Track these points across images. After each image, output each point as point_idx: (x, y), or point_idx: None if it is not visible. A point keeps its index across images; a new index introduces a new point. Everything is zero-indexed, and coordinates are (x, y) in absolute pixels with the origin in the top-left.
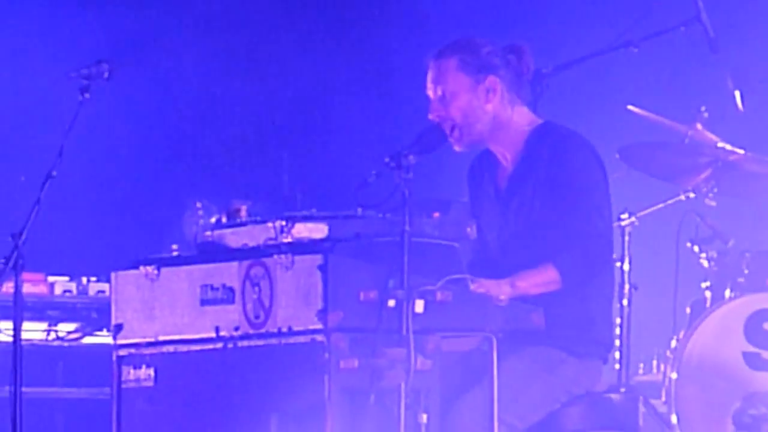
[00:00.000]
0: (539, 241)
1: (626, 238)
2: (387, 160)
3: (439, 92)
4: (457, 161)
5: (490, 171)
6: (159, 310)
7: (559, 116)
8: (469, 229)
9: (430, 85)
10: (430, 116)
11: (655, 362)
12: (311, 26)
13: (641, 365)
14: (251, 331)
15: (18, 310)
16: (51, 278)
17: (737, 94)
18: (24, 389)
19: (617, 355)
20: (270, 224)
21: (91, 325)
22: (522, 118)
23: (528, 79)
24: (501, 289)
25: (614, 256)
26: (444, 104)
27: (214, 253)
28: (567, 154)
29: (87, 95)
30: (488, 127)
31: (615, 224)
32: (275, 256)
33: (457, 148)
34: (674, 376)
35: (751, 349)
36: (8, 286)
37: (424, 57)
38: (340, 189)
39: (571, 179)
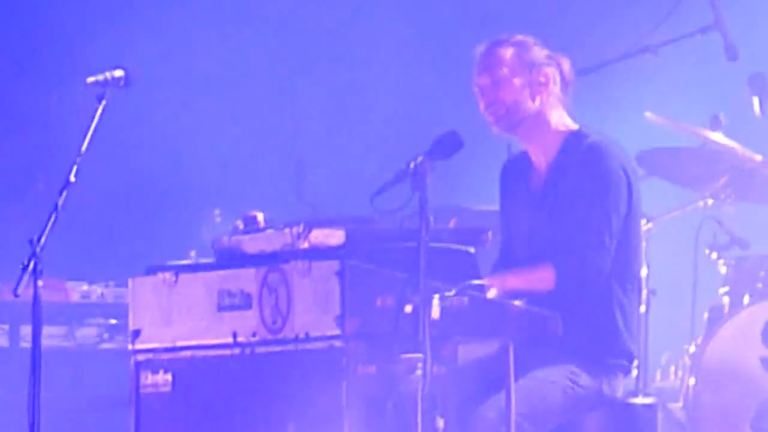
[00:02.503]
0: (538, 239)
1: (644, 243)
2: (404, 166)
3: (491, 78)
4: (475, 167)
5: (523, 174)
6: (177, 315)
7: (578, 121)
8: (483, 237)
9: (481, 73)
10: (481, 105)
11: (672, 368)
12: (331, 30)
13: (659, 371)
14: (269, 337)
15: (37, 315)
16: (69, 284)
17: (755, 100)
18: (43, 393)
19: (635, 362)
20: (287, 230)
21: (110, 331)
22: (561, 120)
23: (569, 87)
24: (493, 284)
25: (639, 268)
26: (495, 88)
27: (231, 259)
28: (593, 164)
29: (104, 102)
30: (531, 120)
31: None
32: (292, 263)
33: (495, 129)
34: (692, 381)
35: None
36: (27, 292)
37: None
38: (358, 195)
39: (590, 187)
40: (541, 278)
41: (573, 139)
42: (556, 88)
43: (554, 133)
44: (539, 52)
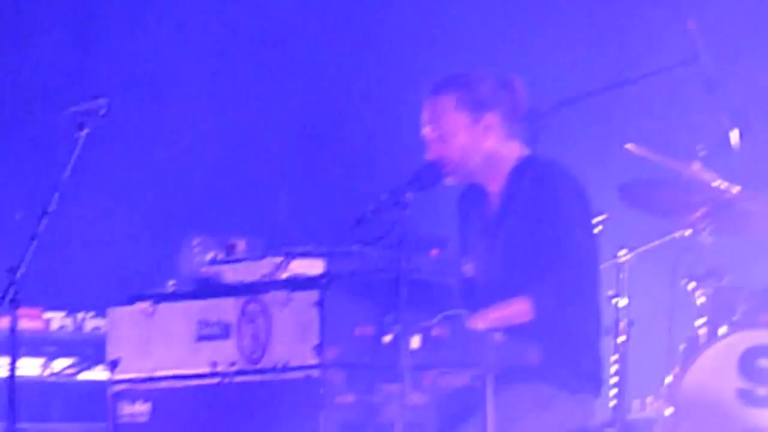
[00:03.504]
0: (519, 274)
1: (624, 274)
2: (384, 196)
3: (438, 131)
4: (455, 197)
5: (478, 205)
6: (155, 345)
7: (559, 154)
8: (465, 267)
9: (427, 124)
10: (428, 156)
11: (650, 399)
12: (308, 57)
13: (636, 402)
14: (247, 367)
15: (14, 345)
16: (47, 314)
17: (734, 132)
18: (19, 425)
19: (612, 391)
20: (267, 260)
21: (87, 361)
22: (512, 152)
23: (522, 113)
24: (475, 323)
25: (608, 292)
26: (442, 143)
27: (210, 288)
28: (546, 187)
29: (84, 131)
30: (482, 161)
31: (610, 262)
32: (272, 293)
33: (449, 182)
34: (669, 412)
35: (746, 386)
36: (4, 321)
37: (419, 92)
38: (338, 225)
39: (547, 211)
40: (519, 311)
41: (524, 164)
42: (506, 124)
43: (506, 162)
44: (485, 88)
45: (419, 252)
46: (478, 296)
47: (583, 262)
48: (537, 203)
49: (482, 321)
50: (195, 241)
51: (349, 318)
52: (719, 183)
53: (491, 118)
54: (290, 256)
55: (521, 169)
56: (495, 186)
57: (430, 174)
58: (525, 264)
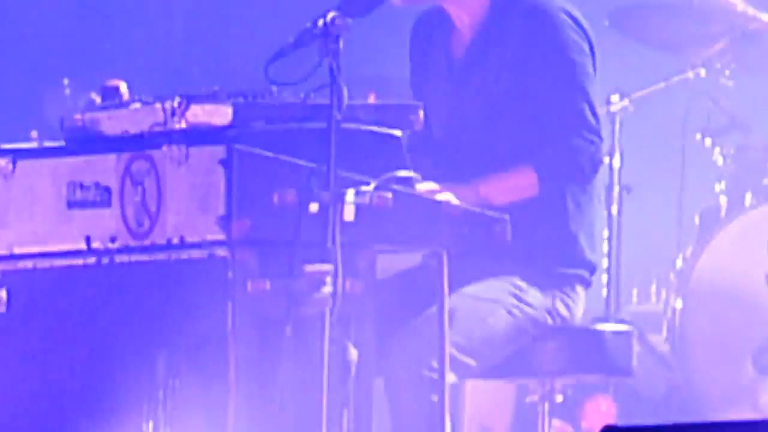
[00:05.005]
0: (510, 135)
1: (617, 126)
2: (309, 25)
3: None
4: (402, 27)
5: (441, 36)
6: (14, 215)
7: None
8: (413, 116)
9: None
10: None
11: (654, 288)
12: None
13: (635, 291)
14: (132, 243)
15: None
16: None
17: None
18: None
19: (604, 278)
20: (158, 105)
21: None
22: None
23: None
24: (461, 195)
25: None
26: None
27: (85, 142)
28: (546, 26)
29: None
30: None
31: (602, 109)
32: (164, 148)
33: (397, 3)
34: (679, 305)
35: None
36: None
37: None
38: (250, 61)
39: (553, 59)
40: (524, 186)
41: None
42: None
43: None
44: None
45: (354, 97)
46: (436, 155)
47: (595, 125)
48: (533, 48)
49: (473, 195)
50: (64, 82)
51: (265, 181)
52: (743, 9)
53: None
54: (188, 100)
55: (506, 1)
56: (465, 14)
57: None
58: (514, 123)
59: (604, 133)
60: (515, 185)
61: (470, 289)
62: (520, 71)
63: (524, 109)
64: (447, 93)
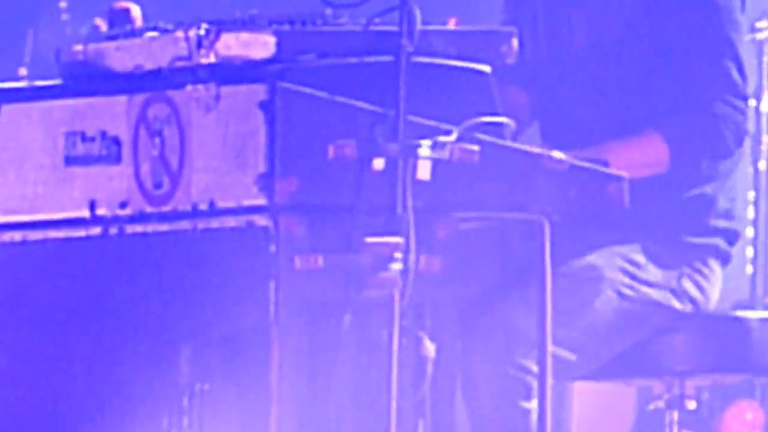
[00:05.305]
0: (634, 90)
1: (765, 59)
2: None
3: None
4: None
5: None
6: None
7: None
8: (505, 47)
9: None
10: None
11: None
12: None
13: None
14: (148, 209)
15: None
16: None
17: None
18: None
19: (749, 251)
20: (180, 34)
21: None
22: None
23: None
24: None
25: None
26: None
27: (87, 80)
28: None
29: None
30: None
31: (747, 37)
32: (189, 87)
33: None
34: None
35: None
36: None
37: None
38: None
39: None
40: (654, 161)
41: None
42: None
43: None
44: None
45: (429, 23)
46: (540, 98)
47: (741, 92)
48: None
49: (596, 154)
50: (61, 5)
51: (317, 129)
52: None
53: None
54: (218, 27)
55: None
56: None
57: None
58: (643, 72)
59: (749, 68)
60: (643, 159)
61: (570, 265)
62: (651, 8)
63: (654, 60)
64: (551, 20)
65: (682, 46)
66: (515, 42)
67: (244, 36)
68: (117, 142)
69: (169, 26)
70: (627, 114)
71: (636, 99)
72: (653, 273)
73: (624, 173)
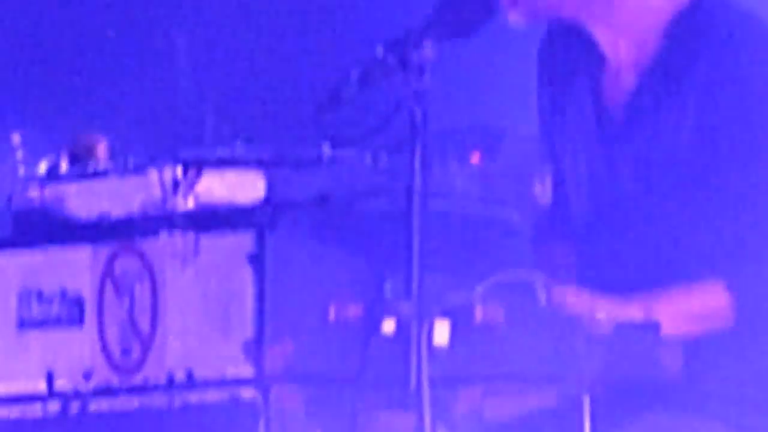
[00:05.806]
0: (691, 229)
1: None
2: (381, 51)
3: None
4: (527, 51)
5: (586, 71)
6: None
7: None
8: (538, 186)
9: None
10: None
11: None
12: None
13: None
14: (115, 381)
15: None
16: None
17: None
18: None
19: None
20: (154, 174)
21: None
22: None
23: None
24: (620, 312)
25: None
26: None
27: (44, 230)
28: (754, 68)
29: None
30: None
31: None
32: (163, 236)
33: (513, 18)
34: None
35: None
36: None
37: None
38: (288, 108)
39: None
40: (713, 312)
41: (690, 17)
42: None
43: (643, 8)
44: None
45: (446, 159)
46: (579, 248)
47: None
48: (734, 100)
49: (641, 314)
50: (15, 139)
51: (314, 286)
52: None
53: None
54: (199, 165)
55: (691, 23)
56: (621, 41)
57: (469, 7)
58: (702, 216)
59: None
60: (702, 311)
61: None
62: (713, 138)
63: (715, 195)
64: (595, 157)
65: (751, 180)
66: (549, 182)
67: (229, 176)
68: (79, 301)
69: (140, 163)
70: (687, 248)
71: (697, 232)
72: None
73: (679, 329)
